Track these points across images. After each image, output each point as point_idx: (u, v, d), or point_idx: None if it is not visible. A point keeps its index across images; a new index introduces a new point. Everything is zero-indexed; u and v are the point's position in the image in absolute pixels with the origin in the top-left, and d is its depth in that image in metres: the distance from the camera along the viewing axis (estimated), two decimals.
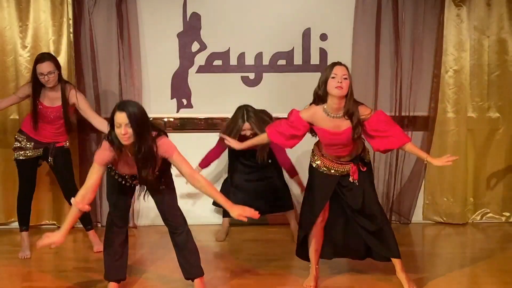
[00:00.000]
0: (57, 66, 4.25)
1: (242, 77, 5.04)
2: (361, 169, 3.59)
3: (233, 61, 5.02)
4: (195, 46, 5.00)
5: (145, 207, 5.03)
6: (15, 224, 5.06)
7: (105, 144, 3.26)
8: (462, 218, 5.10)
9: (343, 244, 3.82)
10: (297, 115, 3.52)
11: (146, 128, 3.21)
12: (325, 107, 3.45)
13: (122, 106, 3.18)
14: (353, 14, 4.93)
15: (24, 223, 4.44)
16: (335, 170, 3.60)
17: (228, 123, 4.53)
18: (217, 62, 5.02)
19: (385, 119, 3.50)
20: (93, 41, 4.89)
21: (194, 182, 3.30)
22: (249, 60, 5.03)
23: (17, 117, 4.96)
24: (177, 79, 5.04)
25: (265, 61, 5.02)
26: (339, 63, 3.45)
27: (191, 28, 4.98)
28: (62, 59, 4.88)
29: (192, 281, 3.64)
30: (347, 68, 3.44)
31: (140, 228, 5.04)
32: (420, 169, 5.04)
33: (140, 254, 4.49)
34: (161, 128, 3.44)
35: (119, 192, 3.50)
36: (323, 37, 4.99)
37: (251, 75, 5.05)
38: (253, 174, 4.72)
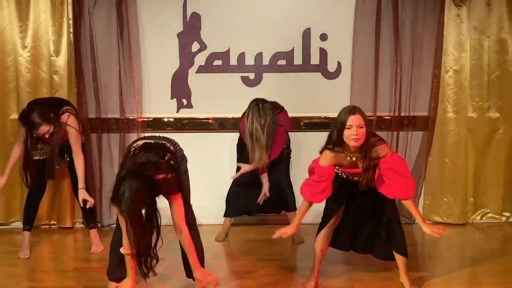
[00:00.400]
0: (51, 121, 4.13)
1: (242, 77, 5.04)
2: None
3: (233, 61, 5.02)
4: (195, 46, 5.01)
5: None
6: (15, 224, 5.07)
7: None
8: (462, 218, 5.10)
9: (351, 239, 3.79)
10: (321, 168, 3.46)
11: (148, 206, 3.13)
12: (345, 151, 3.43)
13: (122, 204, 3.03)
14: (353, 14, 4.93)
15: (29, 222, 4.42)
16: (356, 178, 3.57)
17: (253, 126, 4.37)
18: (217, 62, 5.02)
19: (394, 167, 3.40)
20: (93, 41, 4.89)
21: (177, 233, 3.31)
22: (249, 60, 5.03)
23: (17, 117, 4.95)
24: (177, 79, 5.04)
25: (265, 61, 5.02)
26: (353, 112, 3.36)
27: (191, 28, 4.98)
28: (62, 59, 4.89)
29: (194, 280, 3.64)
30: (362, 115, 3.36)
31: None
32: (420, 169, 5.04)
33: None
34: (165, 169, 3.24)
35: None
36: (323, 37, 4.99)
37: (251, 75, 5.05)
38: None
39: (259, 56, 5.02)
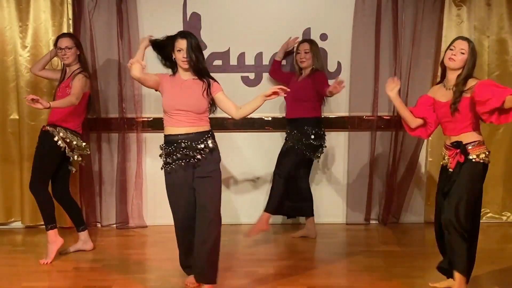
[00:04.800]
0: (78, 45, 4.32)
1: (242, 77, 5.04)
2: (459, 159, 3.41)
3: (233, 61, 5.02)
4: None
5: (146, 207, 5.07)
6: (15, 224, 5.10)
7: None
8: None
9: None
10: (422, 97, 3.63)
11: None
12: (445, 80, 3.51)
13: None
14: (353, 14, 4.94)
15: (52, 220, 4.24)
16: (446, 157, 3.52)
17: None
18: (217, 62, 5.02)
19: (487, 83, 3.37)
20: (93, 41, 4.89)
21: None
22: (249, 60, 5.03)
23: (17, 117, 4.96)
24: None
25: (265, 61, 5.03)
26: (462, 37, 3.48)
27: (191, 28, 4.96)
28: None
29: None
30: (469, 44, 3.40)
31: (140, 228, 5.03)
32: (419, 169, 5.04)
33: (140, 253, 4.49)
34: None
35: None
36: (323, 37, 4.99)
37: (251, 75, 5.05)
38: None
39: (259, 56, 5.02)
